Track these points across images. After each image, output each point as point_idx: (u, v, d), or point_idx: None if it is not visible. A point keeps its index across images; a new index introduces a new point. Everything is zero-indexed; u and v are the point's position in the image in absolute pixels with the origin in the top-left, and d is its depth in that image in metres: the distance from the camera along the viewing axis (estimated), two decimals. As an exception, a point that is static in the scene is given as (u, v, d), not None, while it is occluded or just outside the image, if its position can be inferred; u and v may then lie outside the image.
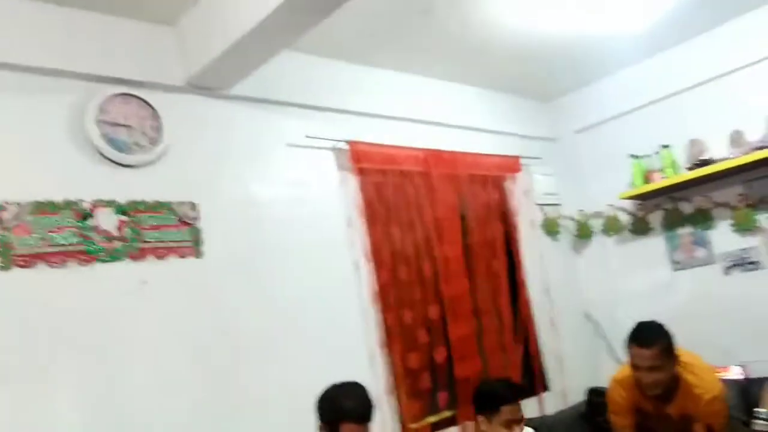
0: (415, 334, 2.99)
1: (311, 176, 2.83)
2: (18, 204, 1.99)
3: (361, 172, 2.94)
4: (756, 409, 2.85)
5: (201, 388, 2.27)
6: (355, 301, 2.83)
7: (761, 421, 2.80)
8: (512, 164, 3.74)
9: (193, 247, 2.34)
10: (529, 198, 3.85)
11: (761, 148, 3.24)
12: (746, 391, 3.11)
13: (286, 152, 2.75)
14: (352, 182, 2.92)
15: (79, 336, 2.03)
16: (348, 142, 2.91)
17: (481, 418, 2.46)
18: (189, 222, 2.34)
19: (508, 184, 3.76)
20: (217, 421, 2.28)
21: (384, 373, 2.84)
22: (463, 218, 3.40)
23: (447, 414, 3.09)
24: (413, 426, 2.90)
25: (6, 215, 1.96)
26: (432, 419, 3.02)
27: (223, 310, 2.39)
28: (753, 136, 3.33)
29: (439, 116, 3.44)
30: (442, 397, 3.05)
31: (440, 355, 3.05)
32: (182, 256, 2.31)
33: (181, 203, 2.34)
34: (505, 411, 2.39)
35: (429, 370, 3.00)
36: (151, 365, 2.16)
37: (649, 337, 2.50)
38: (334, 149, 2.91)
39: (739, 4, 3.30)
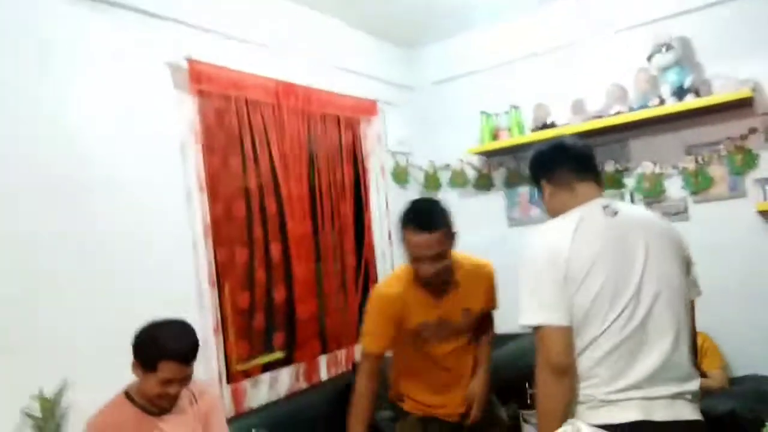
0: (252, 273, 2.85)
1: (140, 93, 2.50)
2: None
3: (202, 94, 2.68)
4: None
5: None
6: (185, 234, 2.61)
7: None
8: (368, 107, 3.65)
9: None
10: (381, 144, 3.80)
11: (598, 117, 3.43)
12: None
13: (109, 63, 2.40)
14: (190, 105, 2.65)
15: None
16: (188, 60, 2.62)
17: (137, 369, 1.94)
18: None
19: (362, 128, 3.67)
20: (12, 360, 2.00)
21: (213, 312, 2.68)
22: (311, 158, 3.26)
23: (279, 355, 3.01)
24: (240, 367, 2.79)
25: None
26: (263, 360, 2.92)
27: (18, 244, 2.06)
28: (593, 106, 3.51)
29: (295, 46, 3.23)
30: (277, 337, 2.96)
31: (280, 295, 2.94)
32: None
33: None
34: (166, 368, 1.90)
35: (264, 310, 2.88)
36: None
37: (432, 218, 2.06)
38: (171, 65, 2.61)
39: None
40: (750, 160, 3.20)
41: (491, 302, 2.32)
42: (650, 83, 3.34)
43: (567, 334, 1.54)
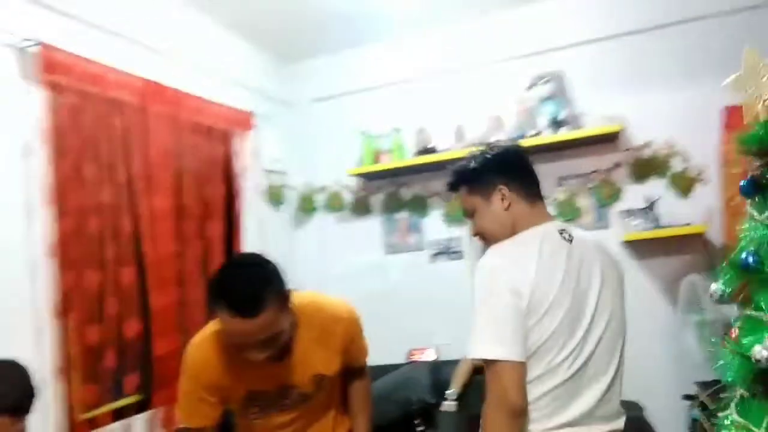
0: (102, 302, 2.41)
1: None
2: None
3: (54, 87, 2.24)
4: (447, 391, 2.99)
5: None
6: (22, 254, 2.14)
7: (449, 402, 2.94)
8: (243, 120, 3.35)
9: None
10: (255, 161, 3.50)
11: (478, 145, 3.44)
12: (437, 372, 3.25)
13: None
14: (39, 98, 2.20)
15: None
16: (40, 45, 2.18)
17: None
18: None
19: (235, 142, 3.35)
20: None
21: (54, 349, 2.21)
22: (178, 171, 2.89)
23: (134, 399, 2.57)
24: (84, 416, 2.32)
25: None
26: (114, 406, 2.47)
27: None
28: (473, 133, 3.52)
29: (168, 43, 2.86)
30: (130, 379, 2.51)
31: (131, 329, 2.51)
32: None
33: None
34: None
35: (116, 347, 2.44)
36: None
37: (255, 298, 1.48)
38: (17, 49, 2.15)
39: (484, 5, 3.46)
40: (614, 194, 3.37)
41: (357, 358, 1.92)
42: (528, 114, 3.42)
43: (524, 370, 1.38)
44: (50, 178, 2.22)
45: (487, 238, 1.58)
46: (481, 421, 1.41)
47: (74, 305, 2.31)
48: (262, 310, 1.49)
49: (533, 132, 3.33)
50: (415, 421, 2.89)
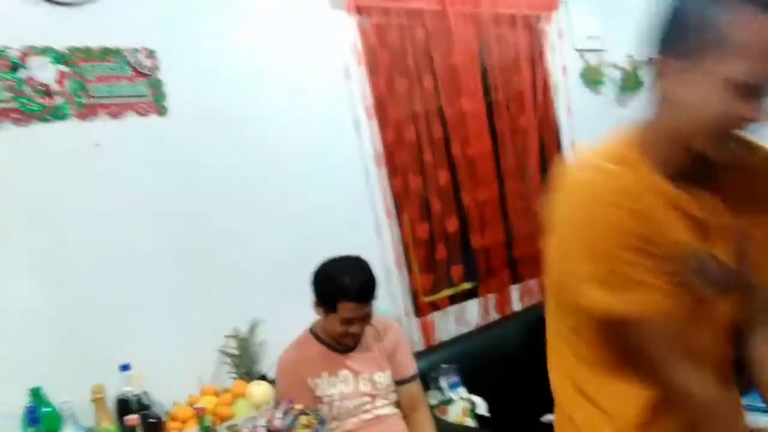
0: (427, 202, 2.66)
1: (298, 16, 2.36)
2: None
3: (360, 10, 2.47)
4: None
5: (171, 261, 2.00)
6: (357, 164, 2.49)
7: None
8: (547, 0, 3.16)
9: (154, 102, 1.98)
10: (566, 42, 3.30)
11: None
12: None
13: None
14: (350, 23, 2.46)
15: (22, 207, 1.75)
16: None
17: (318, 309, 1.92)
18: (146, 72, 1.96)
19: (541, 25, 3.20)
20: (190, 296, 2.03)
21: (393, 244, 2.56)
22: (485, 68, 2.92)
23: (466, 286, 2.83)
24: (427, 299, 2.66)
25: None
26: (449, 292, 2.77)
27: (194, 174, 2.07)
28: None
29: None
30: (456, 269, 2.76)
31: (452, 225, 2.71)
32: (142, 114, 1.96)
33: (135, 50, 1.95)
34: (345, 309, 1.85)
35: (443, 241, 2.69)
36: (109, 238, 1.88)
37: None
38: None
39: None
40: None
41: None
42: None
43: None
44: (369, 94, 2.49)
45: None
46: None
47: (404, 206, 2.61)
48: None
49: None
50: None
